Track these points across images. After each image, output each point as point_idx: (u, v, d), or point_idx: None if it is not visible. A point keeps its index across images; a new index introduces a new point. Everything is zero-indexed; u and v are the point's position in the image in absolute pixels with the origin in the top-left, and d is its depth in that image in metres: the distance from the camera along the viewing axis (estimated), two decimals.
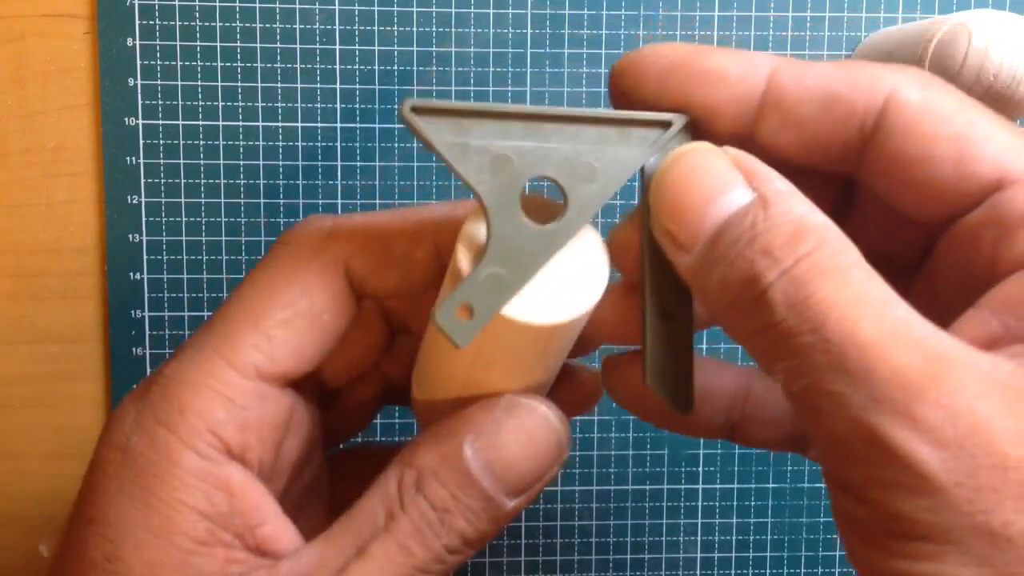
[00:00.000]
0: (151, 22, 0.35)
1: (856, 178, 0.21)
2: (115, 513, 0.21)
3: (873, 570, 0.17)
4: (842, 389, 0.16)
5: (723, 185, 0.19)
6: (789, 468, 0.39)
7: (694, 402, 0.22)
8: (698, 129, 0.21)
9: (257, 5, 0.35)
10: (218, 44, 0.35)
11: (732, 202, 0.18)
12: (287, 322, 0.22)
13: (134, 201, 0.36)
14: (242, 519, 0.21)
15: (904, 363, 0.16)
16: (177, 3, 0.35)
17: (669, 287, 0.21)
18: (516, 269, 0.20)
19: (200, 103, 0.35)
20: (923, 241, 0.21)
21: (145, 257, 0.36)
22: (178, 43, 0.35)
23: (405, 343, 0.26)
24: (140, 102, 0.35)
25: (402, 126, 0.36)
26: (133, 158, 0.35)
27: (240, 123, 0.36)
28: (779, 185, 0.18)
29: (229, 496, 0.21)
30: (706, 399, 0.24)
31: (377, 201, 0.36)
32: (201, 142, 0.36)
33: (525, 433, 0.22)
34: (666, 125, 0.21)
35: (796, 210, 0.18)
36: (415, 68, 0.36)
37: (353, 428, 0.28)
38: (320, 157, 0.36)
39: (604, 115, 0.21)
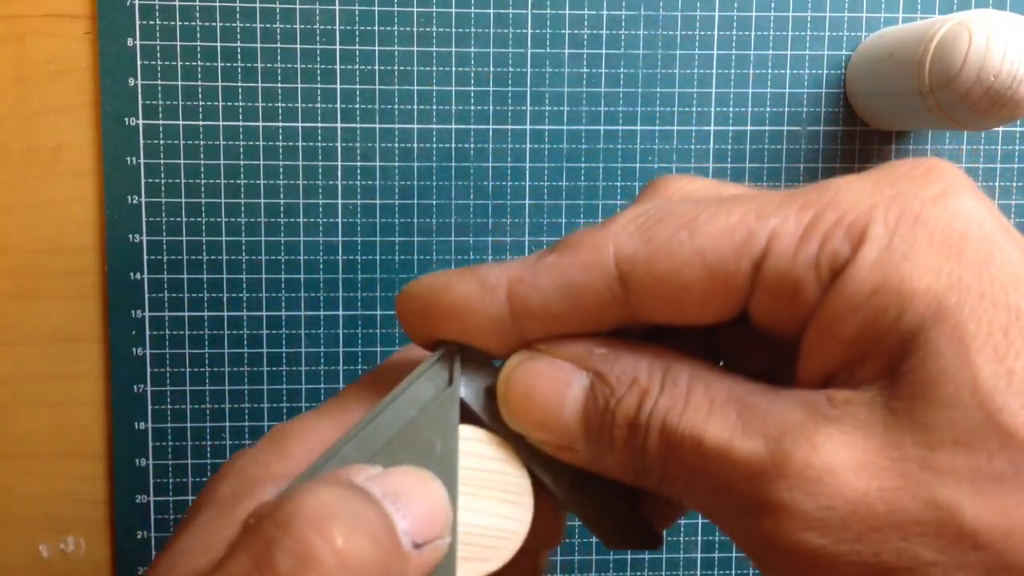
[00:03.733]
0: (151, 22, 0.35)
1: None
2: (182, 535, 0.21)
3: None
4: (723, 505, 0.17)
5: (560, 382, 0.20)
6: None
7: (659, 535, 0.22)
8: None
9: (257, 5, 0.35)
10: (218, 44, 0.35)
11: (577, 394, 0.19)
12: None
13: (134, 201, 0.36)
14: None
15: (747, 453, 0.16)
16: (177, 3, 0.35)
17: (562, 465, 0.21)
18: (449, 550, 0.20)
19: (200, 103, 0.35)
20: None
21: (145, 257, 0.36)
22: (178, 43, 0.35)
23: None
24: (140, 102, 0.35)
25: (402, 125, 0.36)
26: (133, 158, 0.35)
27: (240, 123, 0.36)
28: (599, 351, 0.19)
29: None
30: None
31: (377, 201, 0.36)
32: (201, 142, 0.36)
33: None
34: (449, 356, 0.21)
35: (628, 369, 0.19)
36: (415, 68, 0.36)
37: None
38: (320, 157, 0.36)
39: (401, 388, 0.21)
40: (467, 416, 0.21)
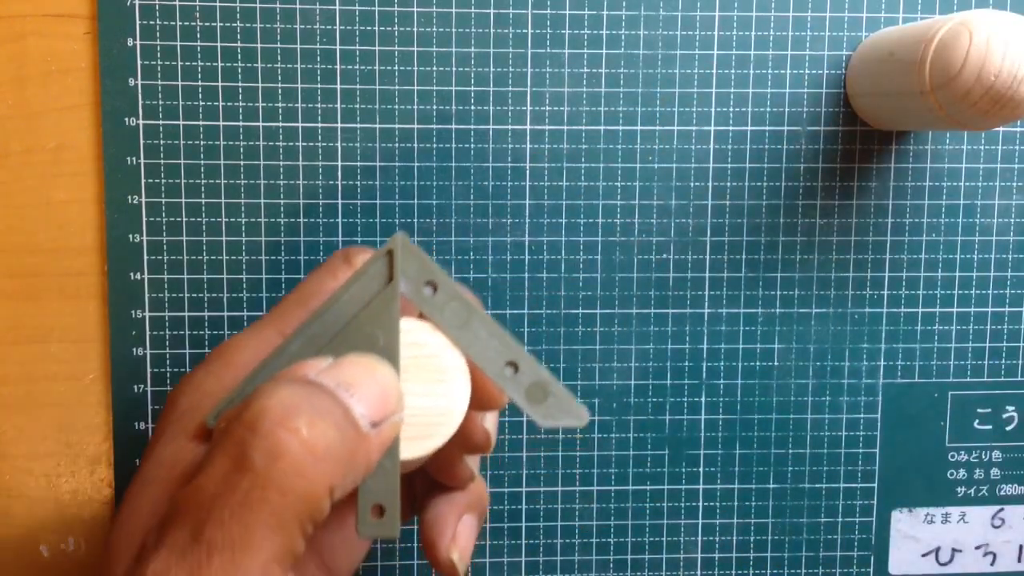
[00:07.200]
0: (151, 22, 0.35)
1: None
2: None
3: None
4: None
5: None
6: (789, 468, 0.39)
7: (584, 414, 0.25)
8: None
9: (257, 5, 0.35)
10: (218, 44, 0.35)
11: None
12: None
13: (134, 201, 0.36)
14: None
15: None
16: (177, 3, 0.35)
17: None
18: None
19: (200, 103, 0.35)
20: None
21: (145, 257, 0.36)
22: (178, 43, 0.35)
23: None
24: (140, 102, 0.35)
25: (402, 125, 0.36)
26: (133, 158, 0.35)
27: (240, 123, 0.36)
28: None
29: None
30: None
31: (377, 201, 0.36)
32: (201, 142, 0.36)
33: None
34: (390, 253, 0.23)
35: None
36: (415, 68, 0.36)
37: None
38: (320, 157, 0.36)
39: (344, 287, 0.23)
40: (406, 310, 0.23)
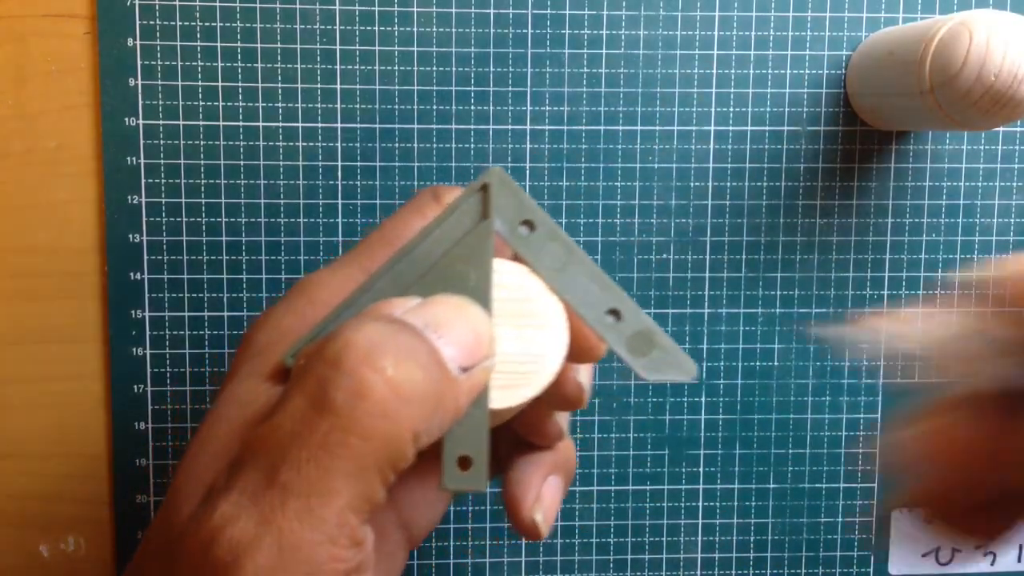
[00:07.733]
0: (151, 22, 0.35)
1: None
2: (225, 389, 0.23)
3: None
4: None
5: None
6: (789, 468, 0.39)
7: (693, 367, 0.23)
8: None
9: (257, 5, 0.35)
10: (218, 44, 0.35)
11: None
12: None
13: (134, 201, 0.36)
14: None
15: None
16: (177, 3, 0.35)
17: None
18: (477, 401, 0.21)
19: (200, 103, 0.35)
20: None
21: (145, 257, 0.36)
22: (178, 43, 0.35)
23: None
24: (140, 102, 0.35)
25: (403, 125, 0.36)
26: (133, 158, 0.35)
27: (240, 123, 0.36)
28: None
29: None
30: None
31: (377, 201, 0.36)
32: (201, 142, 0.36)
33: None
34: (484, 188, 0.22)
35: None
36: (415, 68, 0.36)
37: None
38: (320, 157, 0.36)
39: (435, 223, 0.21)
40: (500, 251, 0.22)
